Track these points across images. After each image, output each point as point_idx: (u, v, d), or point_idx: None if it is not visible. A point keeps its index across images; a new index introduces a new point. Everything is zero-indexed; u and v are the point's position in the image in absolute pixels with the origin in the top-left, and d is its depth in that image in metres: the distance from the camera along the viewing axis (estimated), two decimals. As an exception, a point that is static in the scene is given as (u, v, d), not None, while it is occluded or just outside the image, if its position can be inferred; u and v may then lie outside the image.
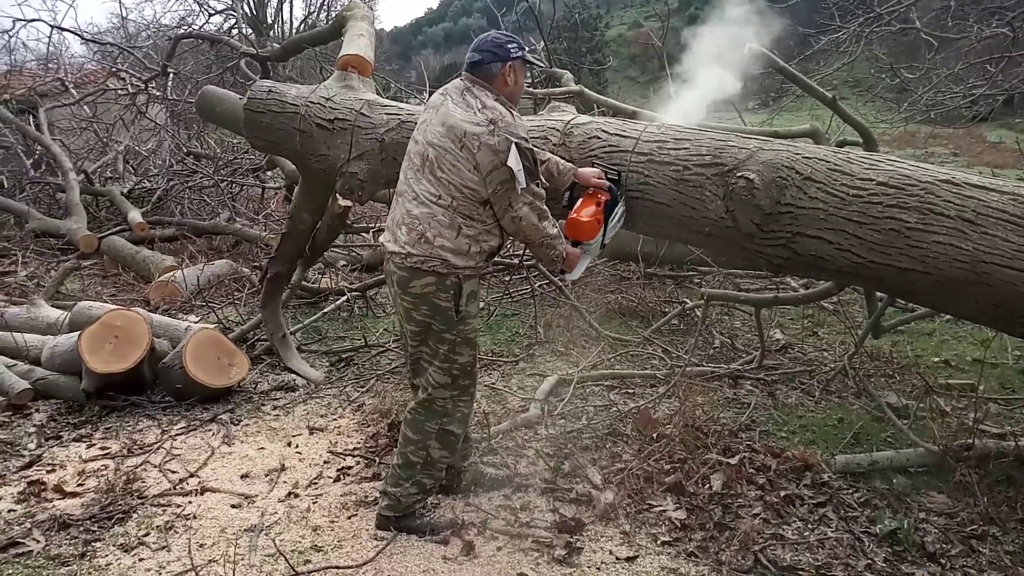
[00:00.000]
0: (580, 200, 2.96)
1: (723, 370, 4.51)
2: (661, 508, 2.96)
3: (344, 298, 5.96)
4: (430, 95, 2.96)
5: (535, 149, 2.70)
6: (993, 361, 4.69)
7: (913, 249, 2.68)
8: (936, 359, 4.84)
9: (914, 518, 2.89)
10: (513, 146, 2.54)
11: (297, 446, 3.66)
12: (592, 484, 3.16)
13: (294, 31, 20.91)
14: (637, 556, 2.68)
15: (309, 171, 4.11)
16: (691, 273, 6.65)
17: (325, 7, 22.51)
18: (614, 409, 4.00)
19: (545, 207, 2.70)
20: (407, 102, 8.09)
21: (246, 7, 19.92)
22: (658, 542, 2.76)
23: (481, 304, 5.42)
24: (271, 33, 20.01)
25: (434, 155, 2.64)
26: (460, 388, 2.80)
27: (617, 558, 2.67)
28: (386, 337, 5.34)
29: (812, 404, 4.08)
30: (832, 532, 2.81)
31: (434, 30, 71.82)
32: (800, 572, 2.56)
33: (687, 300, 5.80)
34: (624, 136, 3.21)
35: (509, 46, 2.72)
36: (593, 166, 3.07)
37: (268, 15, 21.88)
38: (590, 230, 2.89)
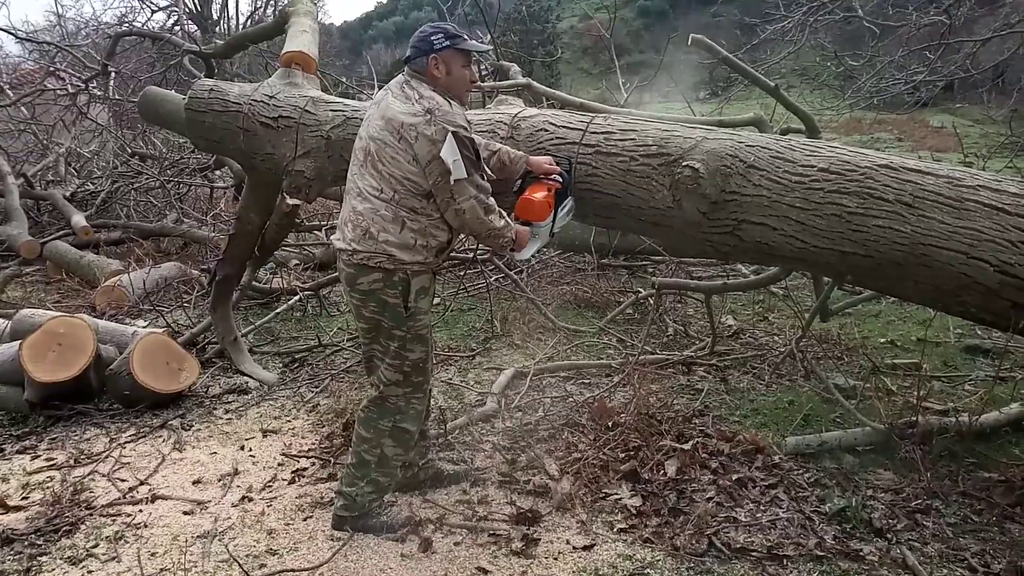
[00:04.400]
0: (531, 185, 2.96)
1: (676, 357, 4.57)
2: (617, 496, 2.99)
3: (296, 298, 5.88)
4: (379, 88, 2.94)
5: (480, 140, 2.66)
6: (936, 340, 4.83)
7: (854, 233, 2.74)
8: (882, 340, 4.97)
9: (862, 495, 2.96)
10: (450, 135, 2.50)
11: (250, 449, 3.60)
12: (549, 475, 3.18)
13: (240, 27, 20.48)
14: (594, 544, 2.70)
15: (255, 170, 4.04)
16: (644, 263, 6.72)
17: (272, 2, 22.13)
18: (570, 400, 4.02)
19: (491, 200, 2.66)
20: (357, 98, 8.02)
21: (189, 2, 19.47)
22: (614, 530, 2.79)
23: (436, 300, 5.39)
24: (216, 29, 19.57)
25: (375, 148, 2.61)
26: (413, 385, 2.78)
27: (574, 547, 2.69)
28: (340, 336, 5.29)
29: (763, 388, 4.15)
30: (783, 512, 2.86)
31: (385, 24, 70.96)
32: (752, 553, 2.61)
33: (641, 289, 5.86)
34: (571, 128, 3.23)
35: (433, 38, 2.65)
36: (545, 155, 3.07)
37: (213, 11, 21.40)
38: (540, 210, 2.89)
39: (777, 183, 2.83)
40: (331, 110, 3.68)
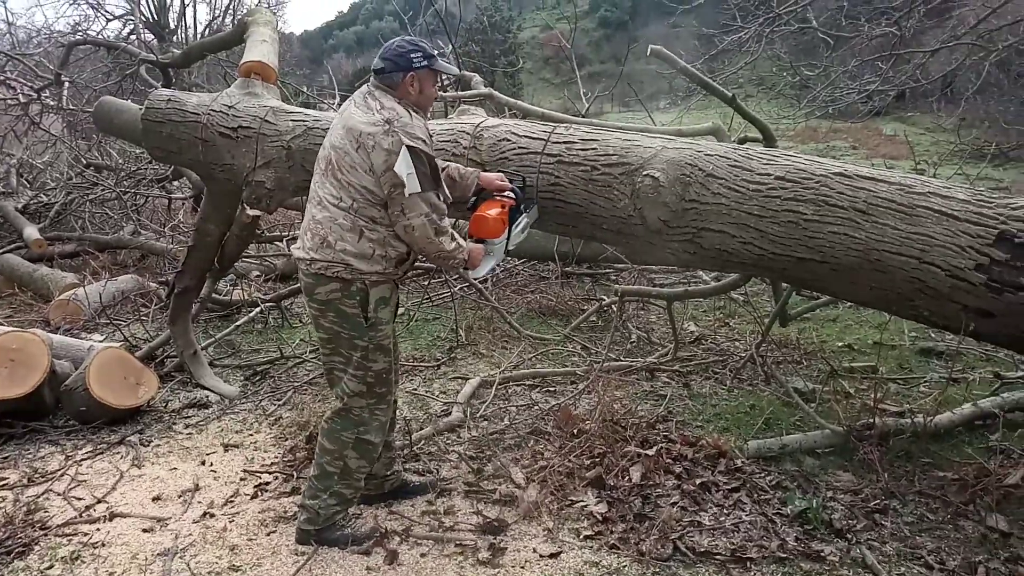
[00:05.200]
0: (485, 202, 2.96)
1: (640, 364, 4.61)
2: (583, 503, 3.00)
3: (258, 309, 5.81)
4: (341, 100, 2.90)
5: (434, 156, 2.65)
6: (892, 343, 4.95)
7: (811, 239, 2.80)
8: (839, 344, 5.07)
9: (822, 497, 3.01)
10: (405, 148, 2.48)
11: (212, 464, 3.54)
12: (515, 484, 3.18)
13: (198, 36, 20.23)
14: (560, 552, 2.71)
15: (214, 181, 4.00)
16: (607, 270, 6.78)
17: (231, 11, 21.89)
18: (536, 408, 4.03)
19: (444, 222, 2.63)
20: (318, 108, 7.96)
21: (145, 11, 19.18)
22: (580, 537, 2.80)
23: (400, 309, 5.37)
24: (173, 39, 19.30)
25: (335, 157, 2.60)
26: (376, 396, 2.76)
27: (541, 555, 2.69)
28: (302, 348, 5.24)
29: (725, 393, 4.21)
30: (746, 515, 2.90)
31: (345, 34, 70.59)
32: (717, 556, 2.64)
33: (604, 297, 5.90)
34: (534, 138, 3.25)
35: (412, 55, 2.63)
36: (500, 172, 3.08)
37: (170, 20, 21.10)
38: (495, 227, 2.88)
39: (735, 191, 2.89)
40: (292, 120, 3.66)
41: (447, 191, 2.74)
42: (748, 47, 10.29)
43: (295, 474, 3.36)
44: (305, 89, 11.89)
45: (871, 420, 3.42)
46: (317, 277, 2.61)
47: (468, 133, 3.35)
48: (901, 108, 22.78)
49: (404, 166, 2.48)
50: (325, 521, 2.77)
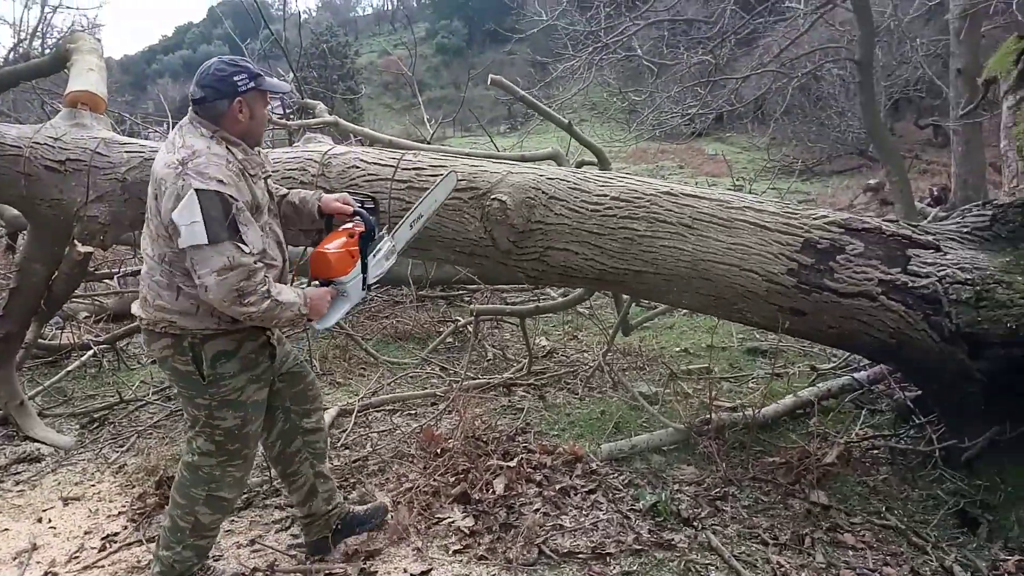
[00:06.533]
0: (329, 233, 2.57)
1: (497, 380, 4.75)
2: (450, 519, 3.06)
3: (90, 353, 5.43)
4: (173, 127, 2.61)
5: (237, 198, 2.24)
6: (722, 345, 5.39)
7: (645, 253, 3.06)
8: (677, 349, 5.46)
9: (670, 490, 3.25)
10: (192, 193, 2.14)
11: (50, 520, 3.29)
12: (382, 508, 3.19)
13: (2, 61, 18.57)
14: (431, 569, 2.76)
15: (39, 217, 3.74)
16: (461, 292, 6.91)
17: (39, 35, 20.26)
18: (398, 432, 4.05)
19: (252, 280, 2.21)
20: (146, 137, 7.59)
21: (-63, 33, 17.38)
22: (450, 552, 2.86)
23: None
24: (-28, 63, 17.61)
25: (150, 204, 2.34)
26: (228, 454, 2.52)
27: (412, 575, 2.73)
28: (143, 390, 4.95)
29: (577, 401, 4.43)
30: (603, 514, 3.08)
31: (171, 58, 67.08)
32: (579, 555, 2.79)
33: (459, 318, 6.02)
34: (383, 165, 3.33)
35: (236, 78, 2.31)
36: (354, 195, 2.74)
37: (-33, 42, 19.24)
38: (339, 265, 2.45)
39: (576, 212, 3.10)
40: (126, 152, 3.51)
41: (271, 232, 2.41)
42: (580, 74, 10.87)
43: (147, 522, 3.19)
44: (128, 117, 11.25)
45: (708, 416, 3.73)
46: (149, 333, 2.41)
47: (316, 161, 3.37)
48: (720, 129, 24.74)
49: (187, 214, 2.15)
50: (180, 573, 2.59)
